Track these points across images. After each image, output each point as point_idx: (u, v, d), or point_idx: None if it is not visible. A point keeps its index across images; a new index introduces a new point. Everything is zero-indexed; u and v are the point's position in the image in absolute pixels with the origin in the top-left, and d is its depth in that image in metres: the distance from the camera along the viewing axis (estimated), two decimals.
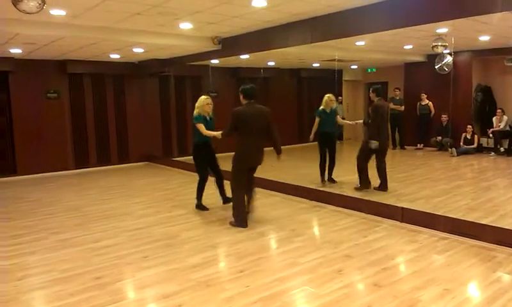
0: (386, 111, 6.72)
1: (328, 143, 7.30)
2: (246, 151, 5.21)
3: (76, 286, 3.68)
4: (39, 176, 9.47)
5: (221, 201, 6.18)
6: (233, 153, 5.30)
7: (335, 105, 7.42)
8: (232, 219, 5.34)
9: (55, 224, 5.69)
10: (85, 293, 3.53)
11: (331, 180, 7.40)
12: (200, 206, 6.13)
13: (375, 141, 6.47)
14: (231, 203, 5.45)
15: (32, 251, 4.64)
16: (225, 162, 5.91)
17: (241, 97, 5.26)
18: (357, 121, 7.94)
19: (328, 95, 7.34)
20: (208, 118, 5.94)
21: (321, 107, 7.29)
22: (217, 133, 5.59)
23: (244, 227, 5.20)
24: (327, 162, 7.35)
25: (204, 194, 6.16)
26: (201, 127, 5.78)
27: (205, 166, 6.09)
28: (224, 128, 5.37)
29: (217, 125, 5.97)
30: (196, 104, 5.96)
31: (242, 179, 5.29)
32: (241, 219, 5.26)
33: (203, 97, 6.01)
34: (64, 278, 3.87)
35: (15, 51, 8.09)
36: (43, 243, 4.89)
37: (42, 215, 6.19)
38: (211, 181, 6.15)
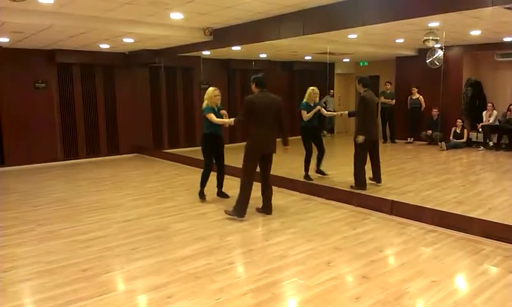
0: (374, 103, 6.60)
1: (313, 137, 7.21)
2: (259, 138, 5.25)
3: (63, 278, 3.64)
4: (27, 167, 9.35)
5: (216, 192, 6.31)
6: (246, 142, 5.36)
7: (317, 99, 7.29)
8: (230, 209, 5.33)
9: (43, 215, 5.63)
10: (72, 285, 3.50)
11: (320, 172, 7.36)
12: (201, 195, 6.22)
13: (361, 135, 6.33)
14: (228, 198, 5.48)
15: (19, 242, 4.59)
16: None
17: (253, 86, 5.34)
18: (342, 112, 7.88)
19: (311, 88, 7.21)
20: (216, 108, 6.03)
21: (304, 100, 7.16)
22: (229, 121, 5.73)
23: (242, 217, 5.22)
24: (312, 156, 7.28)
25: (212, 186, 6.23)
26: (212, 116, 5.86)
27: (211, 156, 6.16)
28: (238, 115, 5.48)
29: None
30: (205, 96, 6.05)
31: (253, 170, 5.33)
32: (242, 210, 5.25)
33: (211, 89, 6.06)
34: (51, 270, 3.83)
35: (3, 40, 7.93)
36: (30, 234, 4.84)
37: (30, 206, 6.12)
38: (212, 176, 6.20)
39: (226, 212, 5.37)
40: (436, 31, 7.70)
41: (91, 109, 10.41)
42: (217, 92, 6.04)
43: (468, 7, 4.90)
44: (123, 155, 10.91)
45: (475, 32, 8.58)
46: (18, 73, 9.24)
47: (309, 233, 4.85)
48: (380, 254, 4.14)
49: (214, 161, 6.23)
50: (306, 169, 7.22)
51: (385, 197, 5.60)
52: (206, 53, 10.24)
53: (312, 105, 7.14)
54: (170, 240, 4.61)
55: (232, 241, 4.55)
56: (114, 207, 5.99)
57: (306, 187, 6.53)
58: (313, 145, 7.20)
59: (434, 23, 7.21)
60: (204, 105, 6.01)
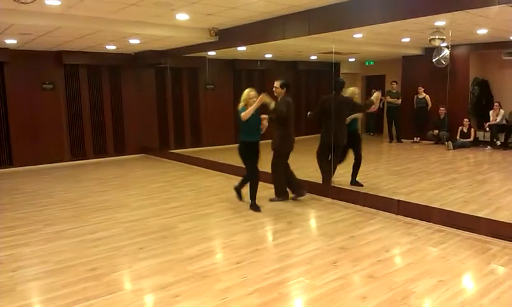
0: (330, 106, 6.24)
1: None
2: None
3: (71, 277, 3.67)
4: (35, 168, 9.43)
5: (237, 195, 6.06)
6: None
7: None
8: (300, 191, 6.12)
9: (50, 215, 5.68)
10: (80, 284, 3.53)
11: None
12: (255, 206, 5.68)
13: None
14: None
15: (26, 242, 4.63)
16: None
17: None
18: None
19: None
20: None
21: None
22: (266, 100, 5.59)
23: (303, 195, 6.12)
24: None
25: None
26: (247, 113, 5.38)
27: (256, 164, 5.70)
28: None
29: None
30: (241, 98, 5.62)
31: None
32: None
33: (247, 90, 5.64)
34: (58, 269, 3.86)
35: (10, 42, 8.01)
36: (37, 234, 4.88)
37: (37, 206, 6.17)
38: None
39: (293, 198, 6.07)
40: (443, 30, 7.65)
41: (98, 109, 10.47)
42: (254, 93, 5.54)
43: (474, 6, 4.87)
44: (130, 156, 10.96)
45: (482, 31, 8.52)
46: (26, 74, 9.31)
47: (315, 232, 4.86)
48: (387, 254, 4.13)
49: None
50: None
51: (392, 197, 5.58)
52: (211, 53, 10.25)
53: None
54: (177, 239, 4.63)
55: (238, 241, 4.56)
56: (121, 207, 6.03)
57: (312, 187, 6.52)
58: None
59: (440, 22, 7.18)
60: (240, 106, 5.57)
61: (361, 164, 6.77)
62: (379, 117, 13.14)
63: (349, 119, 6.60)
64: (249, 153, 5.65)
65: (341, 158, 6.81)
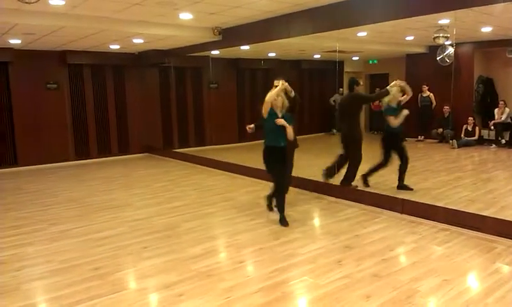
0: (342, 105, 6.68)
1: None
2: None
3: (75, 277, 3.68)
4: (39, 167, 9.47)
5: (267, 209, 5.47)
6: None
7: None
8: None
9: (54, 215, 5.70)
10: (85, 284, 3.54)
11: (404, 187, 6.41)
12: (283, 221, 4.99)
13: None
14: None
15: (31, 241, 4.65)
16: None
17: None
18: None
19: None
20: (280, 114, 4.94)
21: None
22: (287, 87, 5.03)
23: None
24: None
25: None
26: (264, 108, 4.85)
27: (282, 174, 5.01)
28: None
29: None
30: (266, 99, 4.95)
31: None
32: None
33: (274, 90, 4.99)
34: (63, 268, 3.87)
35: (15, 42, 8.04)
36: (42, 234, 4.90)
37: (42, 206, 6.19)
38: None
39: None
40: (447, 28, 7.62)
41: (102, 109, 10.50)
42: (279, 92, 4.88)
43: (479, 3, 4.84)
44: (134, 155, 10.98)
45: (487, 29, 8.48)
46: (30, 74, 9.35)
47: (319, 231, 4.84)
48: (391, 252, 4.12)
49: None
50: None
51: (396, 196, 5.56)
52: (215, 53, 10.26)
53: (396, 107, 6.26)
54: (180, 238, 4.63)
55: (241, 240, 4.56)
56: (125, 206, 6.04)
57: (316, 186, 6.51)
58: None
59: (444, 20, 7.14)
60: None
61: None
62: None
63: (401, 117, 6.16)
64: (272, 160, 4.96)
65: (385, 161, 6.41)
